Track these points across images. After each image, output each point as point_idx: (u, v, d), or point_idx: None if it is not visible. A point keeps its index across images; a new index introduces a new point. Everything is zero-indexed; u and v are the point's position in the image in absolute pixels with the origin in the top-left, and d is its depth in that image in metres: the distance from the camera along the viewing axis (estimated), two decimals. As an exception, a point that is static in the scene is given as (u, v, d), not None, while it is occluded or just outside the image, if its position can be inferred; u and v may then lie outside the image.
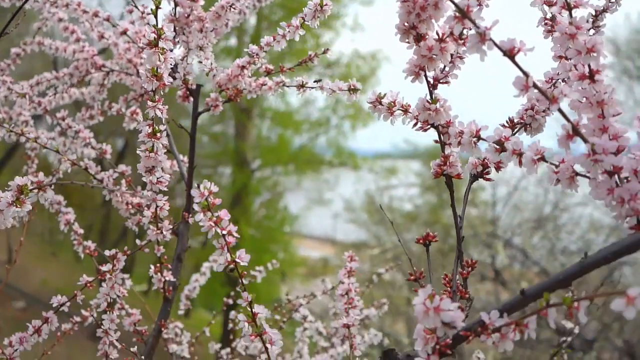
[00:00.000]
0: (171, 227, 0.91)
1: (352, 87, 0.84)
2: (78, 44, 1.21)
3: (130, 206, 1.03)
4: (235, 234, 0.63)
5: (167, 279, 0.98)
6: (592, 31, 0.73)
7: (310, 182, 12.31)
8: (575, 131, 0.52)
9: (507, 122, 0.70)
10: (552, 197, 7.47)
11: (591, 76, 0.54)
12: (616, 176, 0.53)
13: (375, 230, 9.74)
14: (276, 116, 12.05)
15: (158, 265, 0.96)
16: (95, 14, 1.10)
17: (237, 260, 0.64)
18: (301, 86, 0.95)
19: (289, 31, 0.90)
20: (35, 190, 0.67)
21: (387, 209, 9.53)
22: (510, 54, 0.51)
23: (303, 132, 12.23)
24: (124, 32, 1.06)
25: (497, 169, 0.68)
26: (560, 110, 0.52)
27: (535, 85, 0.51)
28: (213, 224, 0.62)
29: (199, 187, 0.61)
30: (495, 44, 0.51)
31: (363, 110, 11.61)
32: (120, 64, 1.18)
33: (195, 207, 0.62)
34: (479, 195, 9.64)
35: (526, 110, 0.69)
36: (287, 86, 0.98)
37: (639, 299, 0.40)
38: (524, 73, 0.51)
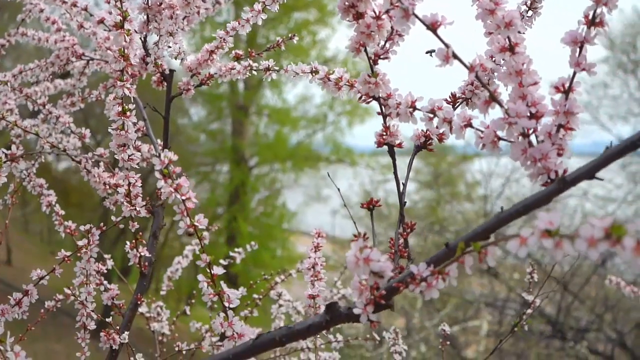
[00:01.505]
0: (144, 204, 0.96)
1: (314, 69, 0.89)
2: (59, 33, 1.26)
3: (107, 187, 1.08)
4: (195, 200, 0.68)
5: (142, 254, 1.03)
6: (530, 12, 0.78)
7: (307, 178, 12.36)
8: (492, 97, 0.57)
9: (449, 96, 0.75)
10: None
11: (511, 48, 0.59)
12: (533, 138, 0.58)
13: (374, 226, 9.76)
14: (273, 113, 12.09)
15: (134, 241, 1.01)
16: (74, 4, 1.15)
17: (196, 224, 0.69)
18: (267, 69, 1.00)
19: (252, 15, 0.95)
20: (9, 162, 0.72)
21: (384, 203, 9.57)
22: (433, 27, 0.56)
23: (300, 129, 12.28)
24: (101, 21, 1.11)
25: (440, 140, 0.73)
26: (478, 79, 0.57)
27: (454, 56, 0.56)
28: (173, 190, 0.67)
29: (159, 155, 0.67)
30: (419, 19, 0.56)
31: (360, 107, 11.67)
32: (100, 53, 1.23)
33: (157, 174, 0.67)
34: (477, 191, 9.72)
35: (467, 85, 0.74)
36: (255, 70, 1.03)
37: (531, 239, 0.45)
38: (445, 45, 0.56)
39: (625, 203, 8.40)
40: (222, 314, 0.70)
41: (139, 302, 1.05)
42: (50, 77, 1.26)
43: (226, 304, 0.70)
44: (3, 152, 0.71)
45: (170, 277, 1.52)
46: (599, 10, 0.57)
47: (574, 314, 6.33)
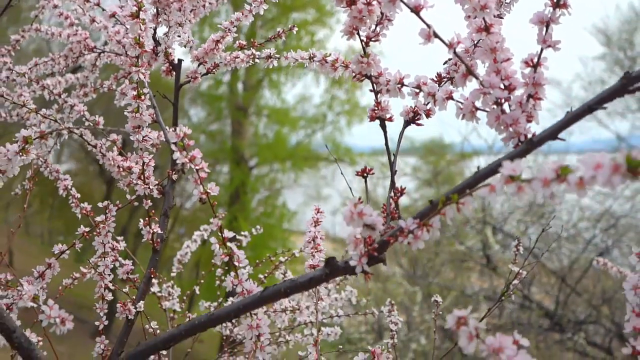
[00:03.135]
0: (157, 183, 1.04)
1: (311, 55, 0.97)
2: (72, 28, 1.33)
3: (121, 169, 1.16)
4: (207, 170, 0.76)
5: (155, 231, 1.11)
6: (508, -1, 0.85)
7: (307, 178, 12.43)
8: (468, 71, 0.65)
9: (435, 76, 0.83)
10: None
11: (486, 29, 0.67)
12: (506, 107, 0.66)
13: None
14: (272, 114, 12.17)
15: (147, 218, 1.09)
16: (87, 0, 1.23)
17: (208, 190, 0.77)
18: (269, 57, 1.08)
19: (255, 6, 1.03)
20: (38, 139, 0.80)
21: (383, 199, 9.65)
22: (416, 10, 0.64)
23: (299, 129, 12.36)
24: (113, 15, 1.19)
25: (427, 115, 0.81)
26: (456, 55, 0.65)
27: (435, 35, 0.64)
28: (188, 161, 0.75)
29: (175, 129, 0.74)
30: (404, 2, 0.64)
31: (359, 107, 11.75)
32: (111, 46, 1.30)
33: (173, 146, 0.75)
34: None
35: (452, 65, 0.82)
36: (258, 58, 1.11)
37: (499, 185, 0.53)
38: (427, 25, 0.64)
39: (623, 198, 8.48)
40: (232, 273, 0.78)
41: (152, 276, 1.13)
42: (64, 69, 1.34)
43: (236, 264, 0.78)
44: (33, 130, 0.78)
45: (180, 260, 1.60)
46: (562, -6, 0.65)
47: (572, 307, 6.41)
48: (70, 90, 1.44)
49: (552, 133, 0.60)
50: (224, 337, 1.50)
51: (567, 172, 0.46)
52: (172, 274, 1.58)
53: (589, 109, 0.59)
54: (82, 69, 1.48)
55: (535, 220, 6.77)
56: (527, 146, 0.60)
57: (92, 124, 1.24)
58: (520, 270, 1.19)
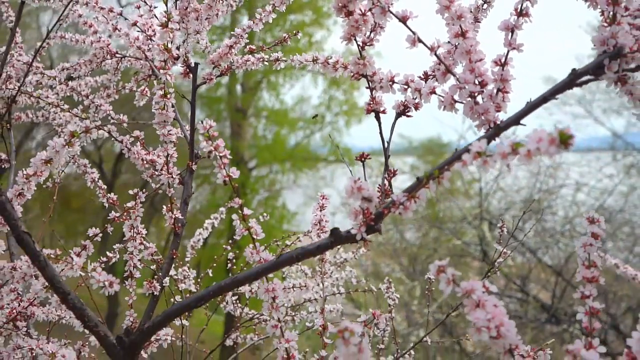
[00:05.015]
0: (179, 172, 1.17)
1: (315, 58, 1.11)
2: (95, 35, 1.47)
3: (144, 162, 1.29)
4: (229, 156, 0.90)
5: (176, 216, 1.24)
6: (485, 5, 0.99)
7: (306, 179, 12.56)
8: (447, 70, 0.78)
9: (422, 74, 0.96)
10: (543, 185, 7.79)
11: (462, 34, 0.81)
12: (479, 99, 0.80)
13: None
14: (271, 115, 12.30)
15: (169, 205, 1.23)
16: (110, 10, 1.36)
17: (230, 174, 0.90)
18: (276, 60, 1.22)
19: (264, 15, 1.17)
20: (84, 134, 0.93)
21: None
22: (403, 20, 0.78)
23: (298, 129, 12.49)
24: (135, 24, 1.32)
25: (416, 108, 0.95)
26: (437, 56, 0.78)
27: (419, 40, 0.77)
28: (213, 149, 0.89)
29: (202, 122, 0.88)
30: (393, 14, 0.78)
31: (357, 107, 11.88)
32: (132, 51, 1.44)
33: (200, 137, 0.88)
34: (473, 187, 9.95)
35: (436, 64, 0.95)
36: (266, 61, 1.24)
37: (469, 159, 0.66)
38: (412, 32, 0.78)
39: (618, 194, 8.61)
40: (250, 245, 0.91)
41: (174, 257, 1.26)
42: (88, 73, 1.47)
43: (254, 237, 0.92)
44: (78, 125, 0.92)
45: (193, 246, 1.74)
46: (524, 4, 0.78)
47: (569, 301, 6.56)
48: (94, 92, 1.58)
49: (515, 120, 0.74)
50: (236, 318, 1.64)
51: (519, 146, 0.59)
52: (186, 259, 1.72)
53: (544, 99, 0.73)
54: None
55: (531, 216, 6.92)
56: (495, 131, 0.74)
57: (116, 122, 1.37)
58: (505, 250, 1.33)
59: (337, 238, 0.84)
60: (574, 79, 0.71)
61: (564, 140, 0.55)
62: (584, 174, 8.59)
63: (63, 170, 1.55)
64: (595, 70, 0.70)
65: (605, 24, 0.71)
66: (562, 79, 0.72)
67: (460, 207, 8.82)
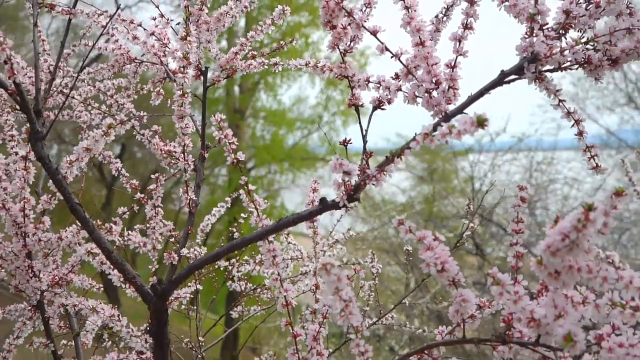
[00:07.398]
0: (194, 159, 1.39)
1: (307, 62, 1.33)
2: (116, 43, 1.69)
3: (162, 152, 1.51)
4: (236, 143, 1.12)
5: (191, 197, 1.46)
6: (444, 17, 1.21)
7: (305, 179, 12.76)
8: (408, 71, 1.00)
9: (394, 74, 1.18)
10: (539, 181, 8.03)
11: (421, 43, 1.03)
12: (434, 94, 1.02)
13: (372, 222, 10.15)
14: (269, 115, 12.51)
15: (185, 187, 1.45)
16: (132, 22, 1.58)
17: (238, 157, 1.12)
18: (276, 64, 1.44)
19: (265, 26, 1.39)
20: (119, 125, 1.15)
21: (381, 200, 10.04)
22: (374, 33, 1.00)
23: (296, 129, 12.70)
24: (152, 34, 1.54)
25: (389, 102, 1.17)
26: (400, 62, 1.01)
27: (386, 48, 0.99)
28: (223, 137, 1.11)
29: (214, 116, 1.10)
30: (365, 28, 0.99)
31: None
32: (148, 57, 1.66)
33: (213, 127, 1.10)
34: (470, 185, 10.18)
35: (403, 67, 1.17)
36: (267, 65, 1.46)
37: (420, 139, 0.88)
38: (381, 42, 1.00)
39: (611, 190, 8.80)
40: (255, 214, 1.13)
41: (189, 232, 1.48)
42: (112, 76, 1.69)
43: (257, 207, 1.13)
44: (113, 118, 1.13)
45: (203, 230, 1.96)
46: (469, 20, 1.01)
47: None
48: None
49: (459, 110, 0.96)
50: (242, 292, 1.86)
51: (452, 128, 0.81)
52: (197, 241, 1.94)
53: (481, 93, 0.95)
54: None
55: (524, 210, 7.13)
56: (444, 118, 0.96)
57: (137, 118, 1.59)
58: (472, 225, 1.54)
59: (325, 205, 1.06)
60: (502, 78, 0.94)
61: (480, 123, 0.77)
62: (578, 171, 8.82)
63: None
64: (518, 71, 0.92)
65: (526, 36, 0.93)
66: (493, 79, 0.94)
67: (454, 205, 9.05)
